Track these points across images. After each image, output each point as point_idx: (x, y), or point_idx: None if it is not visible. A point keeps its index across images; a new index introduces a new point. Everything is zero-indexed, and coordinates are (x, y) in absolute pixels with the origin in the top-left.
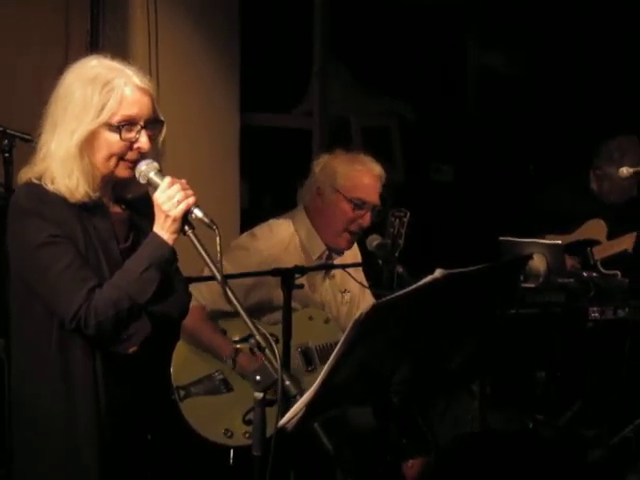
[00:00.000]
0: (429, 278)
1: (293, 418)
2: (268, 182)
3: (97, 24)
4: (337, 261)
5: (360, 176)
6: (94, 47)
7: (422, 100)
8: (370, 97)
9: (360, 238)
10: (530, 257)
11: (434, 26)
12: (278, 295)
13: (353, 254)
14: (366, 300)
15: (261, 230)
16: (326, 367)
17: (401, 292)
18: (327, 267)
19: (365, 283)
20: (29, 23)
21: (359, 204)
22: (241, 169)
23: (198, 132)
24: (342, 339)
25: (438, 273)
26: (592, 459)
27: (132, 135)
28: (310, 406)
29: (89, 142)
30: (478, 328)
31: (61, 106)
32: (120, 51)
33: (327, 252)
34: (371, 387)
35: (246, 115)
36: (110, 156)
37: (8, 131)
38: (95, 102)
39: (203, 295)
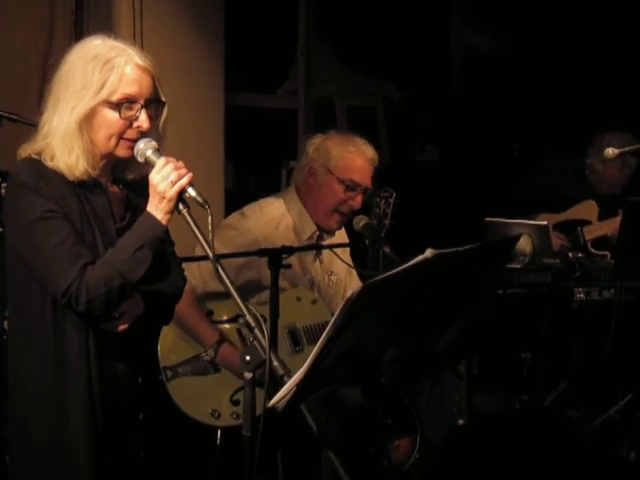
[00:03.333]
0: (420, 258)
1: (283, 398)
2: (252, 162)
3: (82, 4)
4: (326, 243)
5: (353, 158)
6: (79, 27)
7: (407, 80)
8: (355, 77)
9: (346, 220)
10: (518, 238)
11: (418, 6)
12: (266, 275)
13: (341, 237)
14: (352, 283)
15: (251, 209)
16: (317, 347)
17: (392, 272)
18: (314, 247)
19: (352, 264)
20: (14, 3)
21: (351, 186)
22: (226, 149)
23: (183, 112)
24: (333, 319)
25: (428, 253)
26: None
27: (132, 113)
28: (300, 386)
29: (89, 120)
30: (466, 308)
31: (63, 84)
32: (104, 31)
33: (318, 233)
34: (361, 367)
35: (231, 95)
36: (110, 134)
37: None
38: (96, 79)
39: (194, 276)
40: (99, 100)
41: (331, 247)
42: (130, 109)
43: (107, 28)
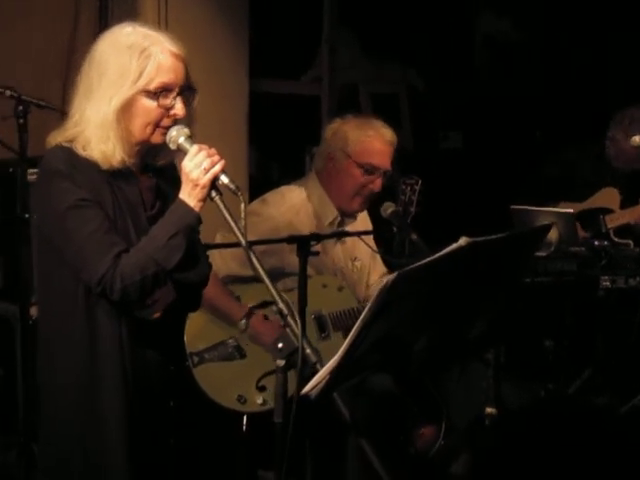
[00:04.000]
0: (454, 246)
1: (317, 386)
2: (276, 149)
3: None
4: (349, 228)
5: (371, 141)
6: (103, 15)
7: (430, 67)
8: (378, 64)
9: (371, 206)
10: (551, 226)
11: None
12: (290, 261)
13: (364, 222)
14: (377, 268)
15: (273, 196)
16: (350, 335)
17: (426, 260)
18: (342, 235)
19: (375, 248)
20: None
21: (370, 169)
22: (249, 135)
23: (207, 98)
24: (367, 307)
25: (463, 241)
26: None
27: (168, 102)
28: (334, 374)
29: (126, 109)
30: (498, 296)
31: (96, 73)
32: (129, 15)
33: (339, 218)
34: (393, 355)
35: (255, 81)
36: (147, 122)
37: (23, 97)
38: (133, 69)
39: (215, 261)
40: (137, 89)
41: (358, 234)
42: (167, 97)
43: (132, 15)
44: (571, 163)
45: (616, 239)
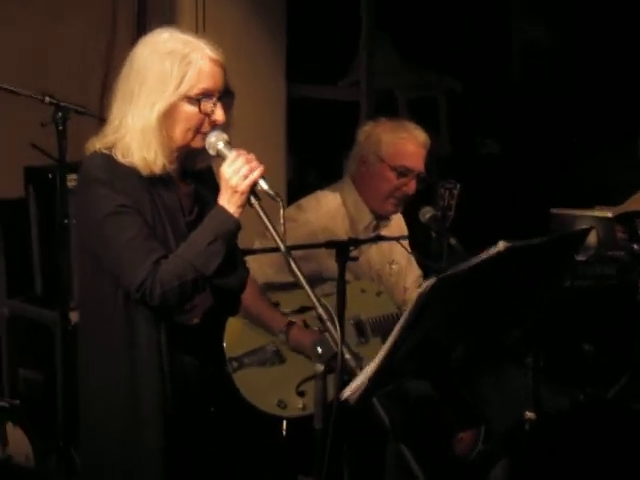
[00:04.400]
0: (493, 251)
1: (356, 392)
2: (314, 154)
3: None
4: (384, 231)
5: (404, 144)
6: (141, 20)
7: (467, 72)
8: (416, 69)
9: (407, 210)
10: (589, 230)
11: None
12: (328, 266)
13: (398, 226)
14: (413, 271)
15: (308, 202)
16: (389, 340)
17: (464, 265)
18: (380, 239)
19: (409, 250)
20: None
21: (403, 172)
22: (287, 141)
23: (245, 104)
24: (406, 312)
25: (501, 245)
26: None
27: (209, 107)
28: (372, 380)
29: (168, 115)
30: (537, 301)
31: (136, 79)
32: (167, 22)
33: (374, 222)
34: (431, 361)
35: (293, 86)
36: (188, 128)
37: (62, 104)
38: (175, 74)
39: (253, 269)
40: (179, 95)
41: (396, 239)
42: (207, 103)
43: (169, 20)
44: (605, 166)
45: None
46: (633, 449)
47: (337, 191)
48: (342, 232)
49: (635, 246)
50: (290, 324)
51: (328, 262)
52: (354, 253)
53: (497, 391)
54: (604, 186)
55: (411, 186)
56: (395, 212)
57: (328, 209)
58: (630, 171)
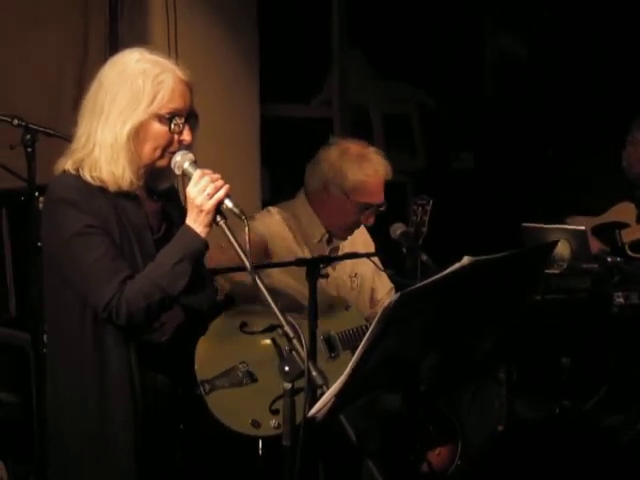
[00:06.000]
0: (456, 265)
1: (322, 408)
2: (289, 172)
3: (116, 15)
4: (348, 245)
5: (370, 182)
6: (113, 38)
7: (440, 86)
8: (389, 84)
9: (378, 225)
10: (556, 243)
11: (450, 11)
12: (279, 279)
13: (363, 240)
14: (383, 284)
15: (260, 214)
16: (354, 357)
17: (428, 280)
18: (350, 257)
19: (381, 266)
20: (48, 15)
21: (366, 207)
22: (262, 160)
23: (218, 123)
24: (370, 329)
25: (465, 260)
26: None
27: (178, 127)
28: (339, 396)
29: (138, 132)
30: (504, 315)
31: (106, 96)
32: (139, 42)
33: (327, 235)
34: (399, 375)
35: (266, 106)
36: (156, 147)
37: (30, 126)
38: (147, 92)
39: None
40: (150, 113)
41: (366, 255)
42: (176, 123)
43: (142, 39)
44: (583, 177)
45: (631, 253)
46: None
47: (289, 207)
48: (294, 245)
49: (609, 258)
50: None
51: (279, 275)
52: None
53: (473, 406)
54: (584, 197)
55: (370, 220)
56: (347, 237)
57: (277, 219)
58: (611, 181)
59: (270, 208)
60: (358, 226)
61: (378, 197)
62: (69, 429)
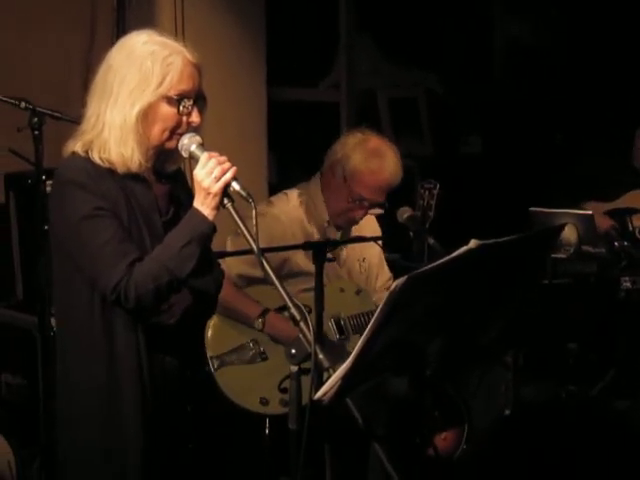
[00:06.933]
0: (464, 249)
1: (329, 391)
2: (296, 156)
3: (123, 1)
4: (355, 230)
5: (370, 175)
6: (120, 23)
7: (449, 71)
8: (397, 69)
9: (388, 210)
10: (563, 227)
11: None
12: (296, 260)
13: (371, 226)
14: (383, 273)
15: (277, 197)
16: (361, 340)
17: (435, 263)
18: (356, 240)
19: (382, 253)
20: (55, 0)
21: (358, 199)
22: (269, 143)
23: (225, 107)
24: (377, 312)
25: (472, 244)
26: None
27: (186, 109)
28: (345, 379)
29: (147, 113)
30: (511, 299)
31: (115, 77)
32: (146, 26)
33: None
34: (406, 359)
35: (273, 89)
36: (165, 128)
37: (38, 109)
38: (156, 74)
39: (227, 261)
40: (159, 94)
41: (374, 239)
42: (184, 105)
43: (149, 23)
44: (595, 163)
45: None
46: (615, 447)
47: (305, 189)
48: (309, 227)
49: (616, 243)
50: (266, 311)
51: (296, 256)
52: (330, 255)
53: (480, 390)
54: (596, 183)
55: (359, 213)
56: (342, 229)
57: (295, 204)
58: (622, 169)
59: (287, 191)
60: (351, 220)
61: (375, 194)
62: (77, 410)
